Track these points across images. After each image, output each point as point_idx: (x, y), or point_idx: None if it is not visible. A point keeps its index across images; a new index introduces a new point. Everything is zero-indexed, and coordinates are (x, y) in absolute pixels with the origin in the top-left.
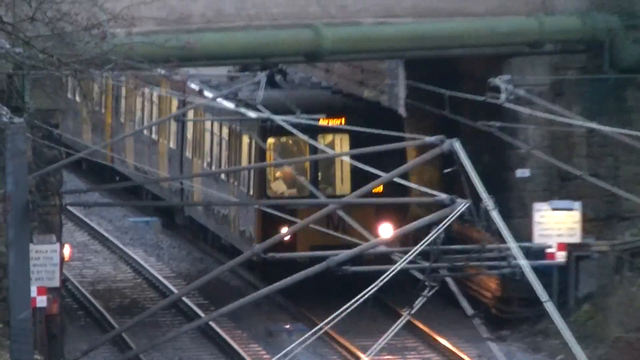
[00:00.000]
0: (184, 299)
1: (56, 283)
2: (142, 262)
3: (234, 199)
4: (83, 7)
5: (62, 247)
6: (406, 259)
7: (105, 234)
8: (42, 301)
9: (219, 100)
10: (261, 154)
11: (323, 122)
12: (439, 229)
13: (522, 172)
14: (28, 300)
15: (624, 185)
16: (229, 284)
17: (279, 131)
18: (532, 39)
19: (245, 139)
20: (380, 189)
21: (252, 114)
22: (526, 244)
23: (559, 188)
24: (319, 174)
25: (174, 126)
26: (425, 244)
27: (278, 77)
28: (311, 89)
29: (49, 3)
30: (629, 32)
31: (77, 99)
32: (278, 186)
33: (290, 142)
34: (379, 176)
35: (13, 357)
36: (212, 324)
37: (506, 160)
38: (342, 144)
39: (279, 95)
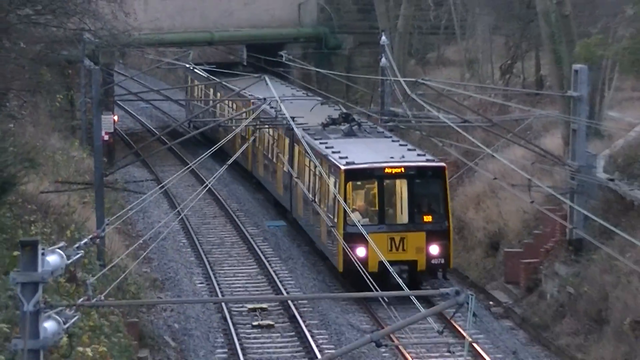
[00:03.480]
0: (162, 137)
1: (111, 130)
2: (145, 122)
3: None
4: (121, 24)
5: (114, 115)
6: (242, 126)
7: (131, 112)
8: (106, 137)
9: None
10: (344, 195)
11: (388, 170)
12: (258, 112)
13: None
14: (100, 136)
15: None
16: (184, 134)
17: (355, 178)
18: (294, 36)
19: (332, 179)
20: (430, 218)
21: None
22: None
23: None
24: (385, 204)
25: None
26: (252, 117)
27: (354, 127)
28: (380, 137)
29: (108, 22)
30: (332, 35)
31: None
32: (355, 216)
33: (361, 184)
34: (432, 203)
35: (95, 159)
36: (173, 147)
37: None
38: (401, 185)
39: (354, 142)
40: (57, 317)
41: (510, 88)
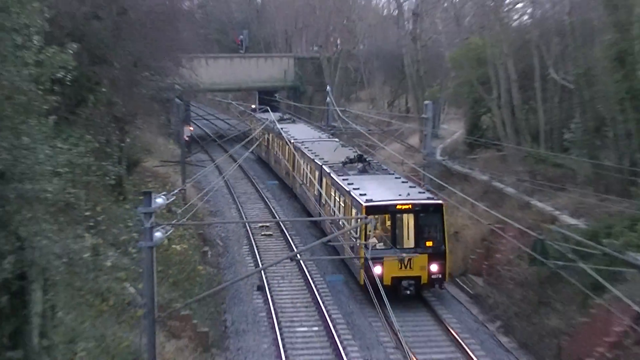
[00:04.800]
0: (214, 138)
1: (189, 134)
2: (206, 131)
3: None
4: (193, 80)
5: (190, 127)
6: (256, 132)
7: (199, 125)
8: (186, 138)
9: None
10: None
11: (399, 206)
12: (264, 124)
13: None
14: (183, 138)
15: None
16: (226, 137)
17: (373, 212)
18: (282, 87)
19: (354, 211)
20: (431, 243)
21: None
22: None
23: (291, 116)
24: (397, 233)
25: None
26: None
27: (366, 166)
28: (385, 174)
29: (187, 79)
30: (302, 86)
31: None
32: (373, 240)
33: (378, 216)
34: (433, 232)
35: (180, 150)
36: (221, 144)
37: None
38: (409, 218)
39: (368, 178)
40: (162, 230)
41: (392, 113)
